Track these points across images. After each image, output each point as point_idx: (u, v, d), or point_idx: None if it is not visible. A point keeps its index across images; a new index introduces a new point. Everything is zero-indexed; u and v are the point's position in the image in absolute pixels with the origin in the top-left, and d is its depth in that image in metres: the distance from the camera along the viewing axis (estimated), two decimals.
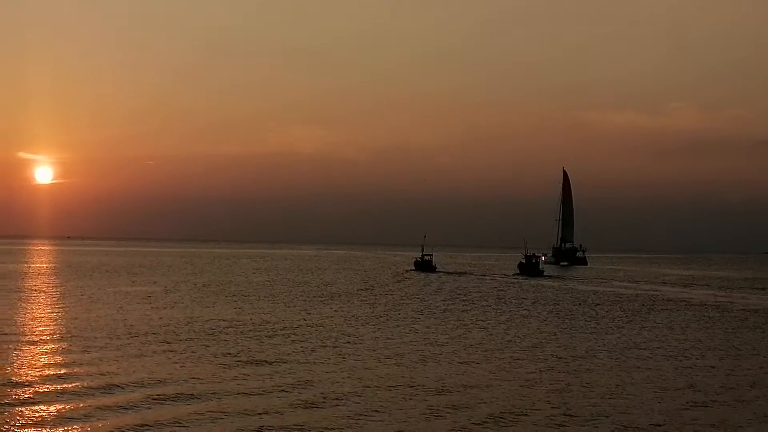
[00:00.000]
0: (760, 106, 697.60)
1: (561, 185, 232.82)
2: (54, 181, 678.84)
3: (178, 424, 28.02)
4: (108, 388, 33.54)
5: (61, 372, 37.08)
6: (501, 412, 31.24)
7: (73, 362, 39.97)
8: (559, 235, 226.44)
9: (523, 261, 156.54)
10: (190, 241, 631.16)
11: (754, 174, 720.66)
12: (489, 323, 65.41)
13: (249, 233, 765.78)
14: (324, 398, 32.92)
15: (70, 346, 45.75)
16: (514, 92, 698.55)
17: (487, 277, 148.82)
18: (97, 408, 29.92)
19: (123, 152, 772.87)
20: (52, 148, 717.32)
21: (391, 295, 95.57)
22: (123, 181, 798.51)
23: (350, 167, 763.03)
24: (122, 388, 33.69)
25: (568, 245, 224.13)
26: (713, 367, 44.38)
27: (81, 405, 30.37)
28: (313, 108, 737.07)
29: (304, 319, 64.39)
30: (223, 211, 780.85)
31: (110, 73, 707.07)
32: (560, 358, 46.39)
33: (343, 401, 32.53)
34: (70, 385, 33.95)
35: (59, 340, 48.06)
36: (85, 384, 34.33)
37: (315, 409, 31.08)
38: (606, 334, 59.26)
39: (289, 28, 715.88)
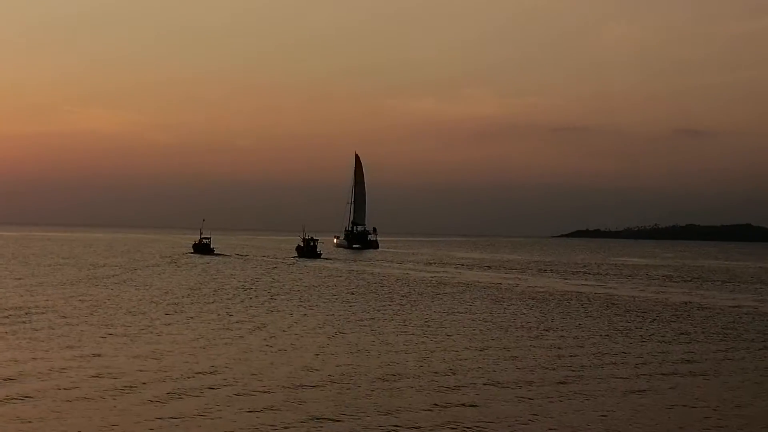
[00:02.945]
0: (554, 94, 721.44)
1: (354, 169, 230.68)
2: None
3: None
4: None
5: None
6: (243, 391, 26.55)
7: None
8: (351, 219, 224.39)
9: (301, 244, 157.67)
10: None
11: (547, 160, 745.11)
12: (226, 303, 62.64)
13: (41, 216, 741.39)
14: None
15: None
16: (314, 76, 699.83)
17: (258, 258, 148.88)
18: None
19: None
20: None
21: (152, 277, 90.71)
22: None
23: (151, 150, 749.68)
24: None
25: (359, 228, 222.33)
26: (495, 339, 41.60)
27: None
28: (117, 91, 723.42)
29: (39, 302, 59.16)
30: (14, 192, 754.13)
31: None
32: (334, 338, 42.74)
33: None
34: None
35: None
36: None
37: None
38: (377, 319, 55.56)
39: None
